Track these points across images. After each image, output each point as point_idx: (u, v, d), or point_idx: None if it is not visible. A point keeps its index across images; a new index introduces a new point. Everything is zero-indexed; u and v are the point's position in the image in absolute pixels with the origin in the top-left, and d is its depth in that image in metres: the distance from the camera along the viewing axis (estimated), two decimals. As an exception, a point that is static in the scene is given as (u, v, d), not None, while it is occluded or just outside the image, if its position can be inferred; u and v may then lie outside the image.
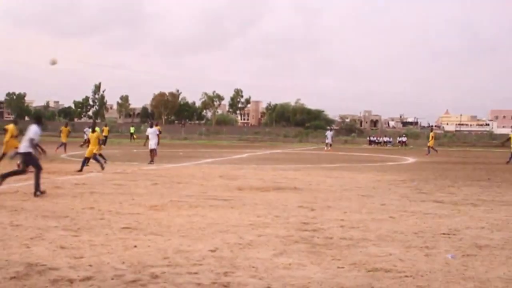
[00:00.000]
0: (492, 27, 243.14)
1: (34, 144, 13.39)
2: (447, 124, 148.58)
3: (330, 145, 51.40)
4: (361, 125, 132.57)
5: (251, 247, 8.23)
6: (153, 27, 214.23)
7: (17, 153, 14.89)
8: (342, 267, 7.14)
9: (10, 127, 23.01)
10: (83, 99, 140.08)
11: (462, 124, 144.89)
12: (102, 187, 15.81)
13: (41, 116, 16.39)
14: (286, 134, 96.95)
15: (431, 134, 37.01)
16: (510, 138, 32.25)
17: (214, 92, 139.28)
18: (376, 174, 22.73)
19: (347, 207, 12.59)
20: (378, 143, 79.51)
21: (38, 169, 13.42)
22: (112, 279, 6.37)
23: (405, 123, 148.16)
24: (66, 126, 33.93)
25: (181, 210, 11.83)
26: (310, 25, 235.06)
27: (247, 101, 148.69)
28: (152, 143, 25.58)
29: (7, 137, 22.36)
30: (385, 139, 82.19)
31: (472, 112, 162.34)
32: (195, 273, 6.69)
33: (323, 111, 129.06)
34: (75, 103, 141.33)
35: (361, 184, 18.24)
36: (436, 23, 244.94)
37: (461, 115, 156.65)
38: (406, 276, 6.75)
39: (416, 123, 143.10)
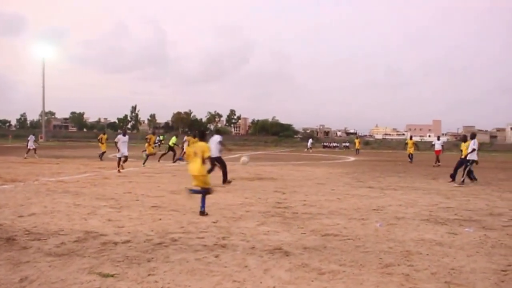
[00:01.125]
0: (405, 66, 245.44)
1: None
2: (377, 134, 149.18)
3: (311, 148, 55.39)
4: (317, 135, 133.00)
5: (241, 220, 8.28)
6: (173, 65, 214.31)
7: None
8: (305, 233, 7.21)
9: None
10: (123, 116, 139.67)
11: (387, 134, 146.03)
12: (137, 178, 15.74)
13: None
14: (266, 141, 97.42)
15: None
16: (406, 143, 31.87)
17: (215, 111, 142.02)
18: (328, 169, 22.79)
19: (307, 191, 12.64)
20: (329, 147, 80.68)
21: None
22: (144, 242, 6.43)
23: (348, 133, 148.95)
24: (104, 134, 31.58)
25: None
26: (282, 64, 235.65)
27: (239, 118, 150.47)
28: (125, 151, 18.51)
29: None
30: (334, 144, 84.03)
31: (393, 126, 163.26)
32: (202, 237, 6.76)
33: (291, 125, 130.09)
34: (118, 119, 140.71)
35: (318, 175, 18.29)
36: (369, 65, 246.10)
37: (386, 127, 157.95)
38: (349, 239, 6.83)
39: (356, 133, 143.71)
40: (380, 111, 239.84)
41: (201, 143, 9.07)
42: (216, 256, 5.73)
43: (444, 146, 32.39)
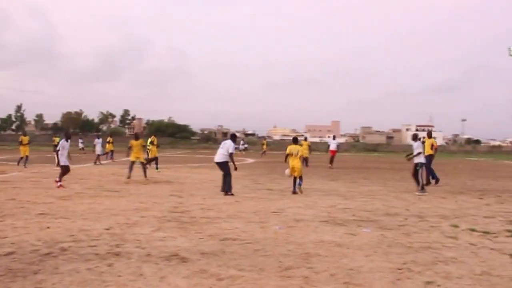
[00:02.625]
0: (304, 66, 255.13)
1: None
2: (275, 134, 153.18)
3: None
4: (215, 136, 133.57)
5: (136, 226, 8.15)
6: (63, 62, 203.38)
7: None
8: (202, 238, 7.25)
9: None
10: (7, 116, 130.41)
11: (286, 135, 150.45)
12: (22, 183, 14.88)
13: None
14: (162, 142, 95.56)
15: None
16: (301, 145, 32.02)
17: (107, 111, 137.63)
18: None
19: (205, 195, 12.70)
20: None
21: None
22: (30, 252, 6.18)
23: (246, 134, 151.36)
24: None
25: (83, 199, 11.53)
26: (180, 63, 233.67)
27: (133, 118, 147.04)
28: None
29: None
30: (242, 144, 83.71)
31: (292, 126, 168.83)
32: (94, 246, 6.60)
33: (188, 126, 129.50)
34: (1, 119, 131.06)
35: (215, 178, 18.34)
36: (268, 65, 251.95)
37: (285, 128, 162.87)
38: (247, 243, 6.96)
39: (254, 134, 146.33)
40: (279, 112, 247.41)
41: (295, 145, 14.11)
42: (109, 265, 5.59)
43: (340, 146, 33.08)
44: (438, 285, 5.16)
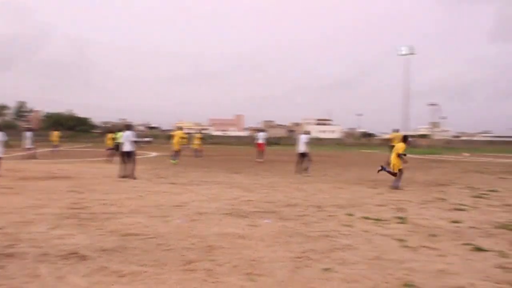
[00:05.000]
0: (209, 60, 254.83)
1: None
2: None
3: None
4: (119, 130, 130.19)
5: (32, 224, 7.66)
6: None
7: None
8: (103, 234, 6.99)
9: None
10: None
11: (190, 128, 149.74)
12: None
13: None
14: (61, 136, 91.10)
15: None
16: (198, 138, 31.46)
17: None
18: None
19: (107, 190, 12.25)
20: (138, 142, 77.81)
21: None
22: None
23: (151, 127, 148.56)
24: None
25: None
26: (81, 54, 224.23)
27: (30, 111, 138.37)
28: None
29: None
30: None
31: (197, 120, 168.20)
32: (-18, 248, 6.08)
33: (89, 118, 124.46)
34: None
35: (116, 172, 17.84)
36: (172, 58, 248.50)
37: (189, 122, 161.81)
38: (150, 238, 6.82)
39: (157, 127, 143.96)
40: (183, 105, 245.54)
41: (401, 144, 14.42)
42: (2, 267, 5.22)
43: (267, 140, 30.19)
44: (335, 271, 5.36)
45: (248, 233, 7.32)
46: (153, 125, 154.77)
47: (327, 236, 7.25)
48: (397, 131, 25.08)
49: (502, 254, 6.35)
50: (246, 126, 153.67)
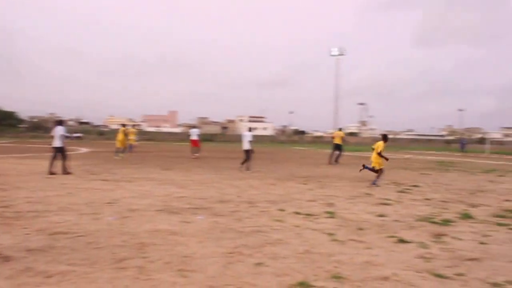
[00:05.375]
0: (142, 55, 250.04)
1: None
2: (112, 124, 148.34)
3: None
4: (47, 124, 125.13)
5: None
6: None
7: None
8: (29, 234, 6.72)
9: None
10: None
11: (125, 124, 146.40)
12: None
13: None
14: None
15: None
16: (129, 133, 29.85)
17: None
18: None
19: (34, 187, 11.78)
20: (71, 137, 74.81)
21: None
22: None
23: (81, 123, 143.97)
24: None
25: None
26: (7, 44, 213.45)
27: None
28: None
29: None
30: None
31: (129, 116, 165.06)
32: None
33: (15, 112, 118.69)
34: None
35: (46, 168, 17.18)
36: (103, 52, 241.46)
37: (121, 117, 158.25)
38: (80, 236, 6.65)
39: (88, 123, 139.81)
40: (115, 100, 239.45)
41: (380, 142, 14.54)
42: None
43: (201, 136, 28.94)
44: (267, 266, 5.46)
45: (181, 229, 7.29)
46: (84, 120, 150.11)
47: (259, 231, 7.35)
48: (340, 129, 26.03)
49: (422, 245, 6.70)
50: (180, 122, 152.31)
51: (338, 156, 24.72)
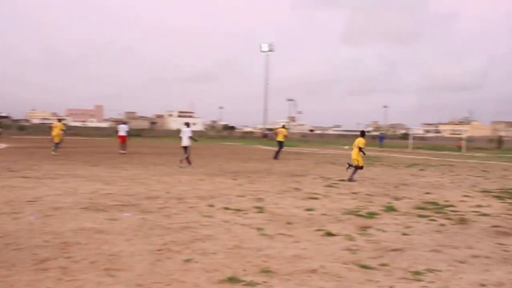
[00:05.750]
0: (66, 47, 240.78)
1: None
2: (34, 118, 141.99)
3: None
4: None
5: None
6: None
7: None
8: None
9: None
10: None
11: (46, 118, 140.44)
12: None
13: None
14: None
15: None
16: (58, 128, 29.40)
17: None
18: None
19: None
20: None
21: None
22: None
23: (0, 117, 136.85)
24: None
25: None
26: None
27: None
28: None
29: None
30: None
31: (53, 110, 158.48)
32: None
33: None
34: None
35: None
36: (23, 43, 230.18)
37: (44, 111, 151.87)
38: (-3, 237, 6.27)
39: (7, 117, 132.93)
40: (38, 94, 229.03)
41: (360, 139, 15.12)
42: None
43: (130, 132, 28.22)
44: (196, 262, 5.40)
45: (107, 227, 7.06)
46: (2, 114, 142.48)
47: (188, 227, 7.26)
48: (283, 126, 26.82)
49: (349, 238, 6.89)
50: (107, 117, 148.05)
51: (277, 153, 25.27)
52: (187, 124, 19.46)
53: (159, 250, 5.84)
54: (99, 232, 6.74)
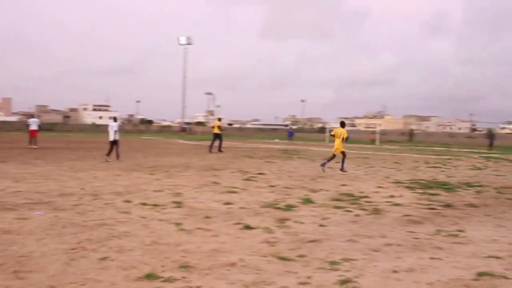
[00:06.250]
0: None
1: None
2: None
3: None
4: None
5: None
6: None
7: None
8: None
9: None
10: None
11: None
12: None
13: None
14: None
15: None
16: None
17: None
18: None
19: None
20: None
21: None
22: None
23: None
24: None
25: None
26: None
27: None
28: None
29: None
30: None
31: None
32: None
33: None
34: None
35: None
36: None
37: None
38: None
39: None
40: None
41: (341, 129, 16.21)
42: None
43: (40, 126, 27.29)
44: (112, 260, 5.24)
45: (16, 227, 6.67)
46: None
47: (104, 224, 7.03)
48: (219, 119, 27.65)
49: (267, 230, 6.97)
50: (16, 110, 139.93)
51: (220, 145, 25.91)
52: (115, 119, 19.15)
53: (73, 249, 5.60)
54: (7, 232, 6.35)
